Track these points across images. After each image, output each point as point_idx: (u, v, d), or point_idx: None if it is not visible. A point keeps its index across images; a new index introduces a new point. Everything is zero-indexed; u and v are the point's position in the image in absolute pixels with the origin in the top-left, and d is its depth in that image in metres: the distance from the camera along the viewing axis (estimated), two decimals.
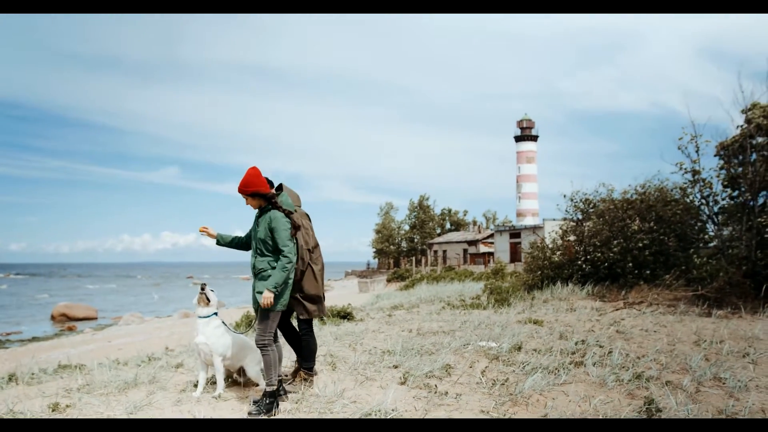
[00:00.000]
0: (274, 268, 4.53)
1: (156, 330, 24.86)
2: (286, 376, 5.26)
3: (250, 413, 4.33)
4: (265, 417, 4.26)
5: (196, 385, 5.05)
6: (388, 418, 4.00)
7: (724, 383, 5.40)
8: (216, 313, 5.02)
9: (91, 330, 29.46)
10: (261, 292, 4.48)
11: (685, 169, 12.93)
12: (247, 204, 4.68)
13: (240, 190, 4.60)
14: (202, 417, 4.13)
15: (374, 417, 4.09)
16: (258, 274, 4.61)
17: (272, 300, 4.43)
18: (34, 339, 26.35)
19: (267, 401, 4.43)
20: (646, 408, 4.42)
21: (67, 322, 34.55)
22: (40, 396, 4.89)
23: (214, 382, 5.01)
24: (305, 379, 5.18)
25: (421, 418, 4.08)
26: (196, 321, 4.98)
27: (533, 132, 63.92)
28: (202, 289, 4.99)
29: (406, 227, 76.36)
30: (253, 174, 4.59)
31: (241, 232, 5.07)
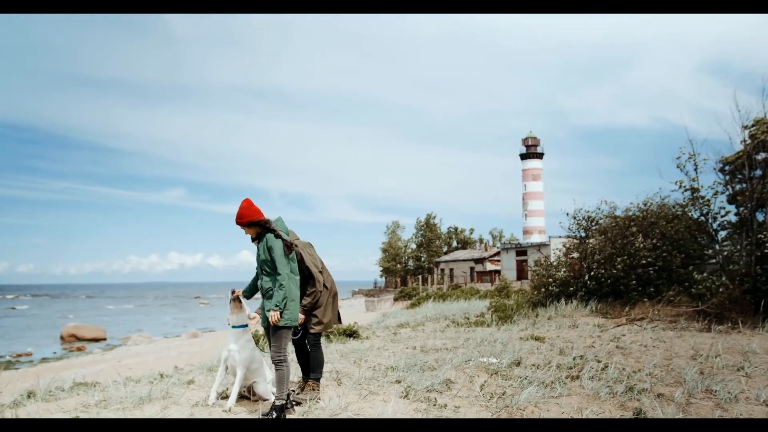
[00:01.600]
0: (281, 285, 4.88)
1: (165, 350, 25.10)
2: (293, 390, 5.52)
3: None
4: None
5: (206, 400, 5.34)
6: (381, 418, 4.23)
7: (715, 395, 5.60)
8: (247, 326, 5.36)
9: (100, 351, 29.72)
10: (270, 311, 4.82)
11: (684, 187, 13.16)
12: (246, 234, 5.06)
13: (237, 223, 5.01)
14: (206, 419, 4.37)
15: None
16: (266, 294, 4.96)
17: (278, 317, 4.78)
18: (44, 360, 26.60)
19: (275, 415, 4.71)
20: (635, 418, 4.64)
21: (76, 342, 34.78)
22: (60, 411, 5.14)
23: (225, 397, 5.28)
24: (313, 389, 5.47)
25: (420, 417, 4.30)
26: (229, 330, 5.35)
27: (538, 149, 64.24)
28: (234, 294, 5.32)
29: (413, 246, 76.50)
30: (246, 206, 5.01)
31: (249, 254, 5.46)
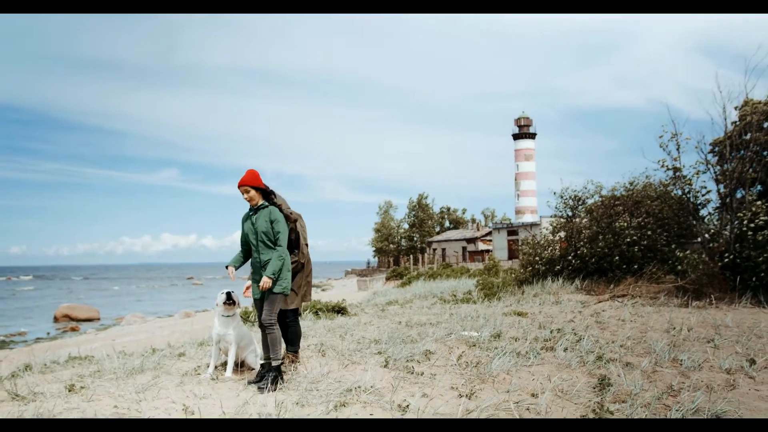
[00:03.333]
0: (281, 256, 5.11)
1: (158, 329, 25.38)
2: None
3: (260, 387, 4.84)
4: (273, 389, 4.79)
5: (197, 369, 5.63)
6: (381, 418, 4.48)
7: (681, 364, 5.90)
8: (236, 313, 5.62)
9: (94, 330, 29.98)
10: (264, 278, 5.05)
11: (667, 166, 13.42)
12: (246, 199, 5.26)
13: (242, 185, 5.20)
14: (201, 396, 4.62)
15: (354, 392, 4.60)
16: (264, 266, 5.15)
17: (270, 284, 5.01)
18: (38, 340, 26.84)
19: (273, 375, 4.98)
20: (599, 384, 4.93)
21: (69, 323, 35.02)
22: (56, 382, 5.38)
23: (218, 367, 5.56)
24: (292, 361, 5.72)
25: (410, 418, 4.56)
26: (220, 318, 5.57)
27: (531, 130, 64.37)
28: (229, 297, 5.54)
29: (406, 226, 76.84)
30: (254, 173, 5.26)
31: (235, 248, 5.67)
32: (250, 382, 5.11)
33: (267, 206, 5.25)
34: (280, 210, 5.29)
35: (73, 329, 31.95)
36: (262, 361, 5.26)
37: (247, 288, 5.45)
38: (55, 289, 77.94)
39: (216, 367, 5.57)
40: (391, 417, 4.01)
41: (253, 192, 5.23)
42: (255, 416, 3.95)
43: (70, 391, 4.72)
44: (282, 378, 5.05)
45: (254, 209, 5.28)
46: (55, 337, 28.18)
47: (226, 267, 5.44)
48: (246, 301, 6.08)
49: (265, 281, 5.00)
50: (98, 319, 37.16)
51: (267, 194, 5.32)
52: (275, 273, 5.05)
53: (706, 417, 4.08)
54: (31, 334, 29.77)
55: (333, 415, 4.05)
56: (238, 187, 5.25)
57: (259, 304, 5.28)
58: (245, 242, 5.39)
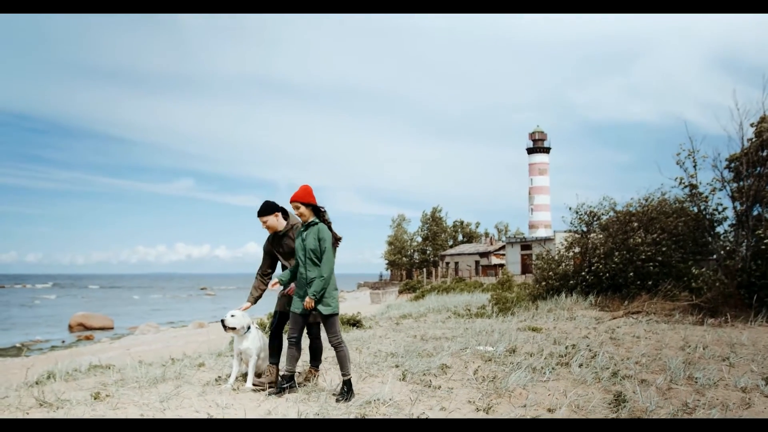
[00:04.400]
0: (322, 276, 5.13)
1: (173, 339, 25.56)
2: (299, 373, 5.87)
3: (337, 400, 4.94)
4: (346, 401, 4.91)
5: (217, 379, 5.74)
6: (387, 418, 4.57)
7: (696, 382, 5.93)
8: (250, 327, 5.70)
9: (108, 339, 30.27)
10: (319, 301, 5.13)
11: (684, 183, 13.44)
12: (297, 214, 5.28)
13: (296, 199, 5.23)
14: (222, 406, 4.72)
15: (373, 405, 4.69)
16: (309, 283, 5.15)
17: (312, 305, 5.07)
18: (54, 348, 27.11)
19: (346, 389, 5.06)
20: (615, 400, 4.98)
21: (84, 331, 35.34)
22: (80, 390, 5.50)
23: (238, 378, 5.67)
24: (313, 376, 5.80)
25: (415, 418, 4.65)
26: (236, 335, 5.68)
27: (545, 144, 64.40)
28: (223, 323, 5.61)
29: (419, 239, 76.91)
30: (307, 189, 5.28)
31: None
32: (270, 393, 5.20)
33: (317, 223, 5.23)
34: (330, 228, 5.26)
35: (87, 338, 32.25)
36: (284, 373, 5.32)
37: (274, 284, 5.56)
38: (71, 297, 78.72)
39: (237, 378, 5.67)
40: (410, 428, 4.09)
41: (303, 208, 5.22)
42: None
43: (95, 398, 4.85)
44: (353, 393, 5.10)
45: (305, 225, 5.28)
46: (70, 345, 28.43)
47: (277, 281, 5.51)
48: (253, 310, 6.12)
49: (308, 302, 5.06)
50: (112, 328, 37.48)
51: (318, 211, 5.30)
52: (316, 294, 5.07)
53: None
54: (46, 342, 30.06)
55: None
56: (290, 202, 5.27)
57: (300, 318, 5.26)
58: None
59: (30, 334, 33.72)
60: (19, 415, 4.39)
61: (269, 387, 5.42)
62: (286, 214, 5.72)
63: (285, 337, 5.58)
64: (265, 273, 5.86)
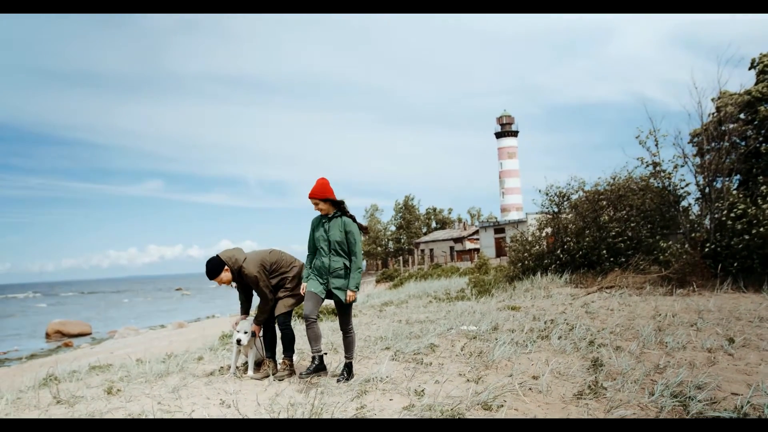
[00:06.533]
0: (347, 267, 5.35)
1: (155, 340, 25.57)
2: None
3: (338, 380, 5.24)
4: (347, 381, 5.22)
5: (220, 370, 6.05)
6: (389, 418, 4.92)
7: (666, 346, 6.40)
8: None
9: (88, 345, 30.07)
10: (339, 288, 5.34)
11: (647, 163, 14.02)
12: (317, 209, 5.35)
13: (314, 196, 5.27)
14: (231, 392, 5.03)
15: (372, 382, 5.06)
16: (333, 273, 5.33)
17: (354, 297, 5.34)
18: (33, 356, 26.89)
19: (347, 371, 5.38)
20: (593, 365, 5.42)
21: (62, 338, 35.02)
22: (87, 388, 5.74)
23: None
24: (290, 366, 5.82)
25: (416, 418, 5.01)
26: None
27: (513, 127, 65.13)
28: (239, 343, 5.82)
29: (393, 228, 77.33)
30: (324, 183, 5.34)
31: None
32: (301, 375, 5.26)
33: (339, 216, 5.33)
34: (354, 220, 5.38)
35: (66, 345, 31.99)
36: (313, 354, 5.40)
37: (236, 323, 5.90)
38: (46, 305, 77.49)
39: (237, 368, 5.97)
40: (409, 402, 4.45)
41: (321, 204, 5.29)
42: (287, 406, 4.36)
43: (109, 393, 5.12)
44: (352, 374, 5.40)
45: (327, 217, 5.36)
46: (50, 352, 28.22)
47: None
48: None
49: (350, 295, 5.29)
50: (90, 333, 37.18)
51: (338, 204, 5.36)
52: (358, 286, 5.31)
53: (690, 392, 4.53)
54: (25, 351, 29.77)
55: (357, 402, 4.48)
56: (309, 198, 5.29)
57: (318, 299, 5.34)
58: (313, 246, 5.45)
59: (6, 343, 33.32)
60: (39, 414, 4.64)
61: (273, 376, 5.64)
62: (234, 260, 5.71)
63: (278, 328, 5.83)
64: (242, 302, 6.08)
